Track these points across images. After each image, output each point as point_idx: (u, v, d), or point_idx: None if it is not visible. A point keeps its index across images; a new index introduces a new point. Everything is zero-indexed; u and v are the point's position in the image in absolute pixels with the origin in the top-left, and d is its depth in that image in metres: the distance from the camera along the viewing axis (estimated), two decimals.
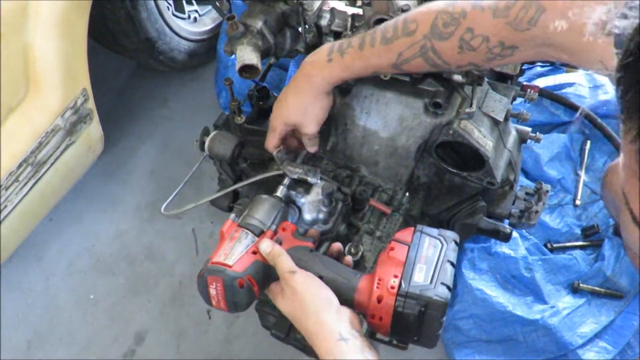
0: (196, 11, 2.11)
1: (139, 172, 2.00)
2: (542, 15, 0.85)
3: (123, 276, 1.80)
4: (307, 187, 1.25)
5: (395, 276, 0.91)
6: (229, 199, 1.42)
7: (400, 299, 0.89)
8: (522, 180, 1.72)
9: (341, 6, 1.24)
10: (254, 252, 0.97)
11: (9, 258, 1.51)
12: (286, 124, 1.17)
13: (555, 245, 1.68)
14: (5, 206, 1.32)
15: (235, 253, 0.96)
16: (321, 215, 1.19)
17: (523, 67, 1.73)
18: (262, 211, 1.05)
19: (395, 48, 0.99)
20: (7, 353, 1.67)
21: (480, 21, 0.90)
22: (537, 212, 1.42)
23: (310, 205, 1.20)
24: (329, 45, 1.07)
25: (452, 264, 0.93)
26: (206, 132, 1.32)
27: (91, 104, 1.48)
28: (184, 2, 2.05)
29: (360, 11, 1.21)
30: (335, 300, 0.91)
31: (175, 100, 2.18)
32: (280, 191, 1.16)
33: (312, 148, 1.24)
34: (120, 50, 1.91)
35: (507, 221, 1.49)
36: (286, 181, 1.18)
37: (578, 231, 1.71)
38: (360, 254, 1.26)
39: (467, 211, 1.41)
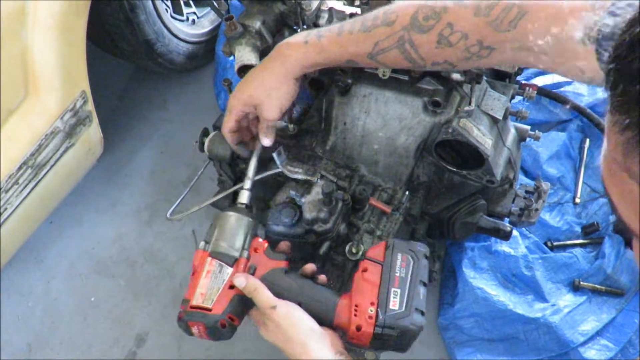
0: (194, 13, 2.11)
1: (138, 175, 2.00)
2: (522, 18, 0.85)
3: (123, 278, 1.79)
4: (307, 186, 1.26)
5: (372, 304, 0.93)
6: (229, 199, 1.42)
7: (378, 327, 0.92)
8: (522, 179, 1.73)
9: (339, 6, 1.24)
10: (231, 287, 0.97)
11: (9, 261, 1.51)
12: (246, 104, 1.10)
13: (555, 243, 1.68)
14: (5, 209, 1.32)
15: (212, 291, 0.97)
16: (321, 215, 1.19)
17: (521, 66, 1.73)
18: (230, 235, 1.02)
19: (373, 37, 0.97)
20: (7, 356, 1.67)
21: (461, 17, 0.90)
22: (537, 210, 1.43)
23: (311, 205, 1.20)
24: (308, 31, 1.06)
25: (424, 284, 0.97)
26: (205, 133, 1.32)
27: (90, 106, 1.48)
28: (182, 4, 2.05)
29: (358, 10, 1.21)
30: (316, 327, 0.93)
31: (174, 102, 2.18)
32: (244, 197, 1.11)
33: (266, 139, 1.13)
34: (119, 53, 1.91)
35: (507, 219, 1.49)
36: (247, 184, 1.13)
37: (578, 229, 1.71)
38: (360, 253, 1.26)
39: (467, 210, 1.42)
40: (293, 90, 1.09)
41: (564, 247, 1.68)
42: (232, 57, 1.27)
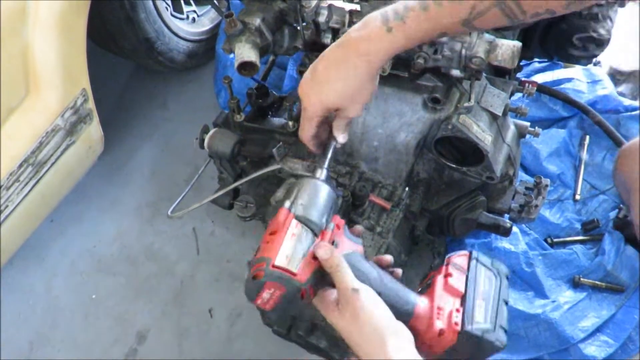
0: (194, 11, 2.11)
1: (139, 173, 2.01)
2: None
3: (124, 276, 1.80)
4: None
5: (457, 310, 0.89)
6: (229, 196, 1.42)
7: (461, 336, 0.87)
8: (522, 176, 1.73)
9: (339, 3, 1.24)
10: (314, 258, 0.87)
11: (10, 260, 1.51)
12: (327, 110, 1.00)
13: (555, 240, 1.68)
14: (6, 206, 1.32)
15: (297, 256, 0.86)
16: None
17: (521, 63, 1.74)
18: (319, 203, 0.92)
19: (467, 2, 0.89)
20: (8, 354, 1.67)
21: None
22: (536, 206, 1.43)
23: None
24: (375, 16, 0.94)
25: (506, 303, 0.94)
26: (206, 130, 1.33)
27: (91, 104, 1.48)
28: (182, 2, 2.05)
29: (357, 7, 1.21)
30: (400, 324, 0.85)
31: (174, 100, 2.18)
32: (321, 174, 1.01)
33: (342, 136, 1.05)
34: (119, 52, 1.92)
35: (507, 216, 1.49)
36: (325, 162, 1.03)
37: (578, 226, 1.71)
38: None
39: (467, 206, 1.42)
40: (375, 84, 1.01)
41: (564, 244, 1.68)
42: (232, 55, 1.27)
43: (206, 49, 2.13)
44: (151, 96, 2.19)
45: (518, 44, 1.16)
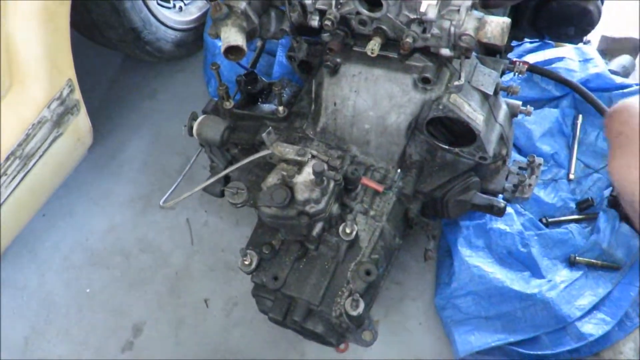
0: (182, 0, 2.08)
1: (130, 164, 1.99)
2: None
3: (118, 269, 1.78)
4: (298, 168, 1.25)
5: None
6: (220, 184, 1.41)
7: None
8: (516, 157, 1.72)
9: None
10: None
11: (3, 255, 1.50)
12: None
13: (550, 220, 1.67)
14: None
15: None
16: (314, 195, 1.19)
17: (512, 44, 1.72)
18: None
19: None
20: (4, 350, 1.66)
21: None
22: (530, 185, 1.42)
23: (302, 186, 1.19)
24: None
25: None
26: (194, 117, 1.31)
27: (78, 95, 1.46)
28: None
29: None
30: None
31: (164, 91, 2.16)
32: None
33: None
34: (106, 42, 1.89)
35: (501, 196, 1.48)
36: None
37: (573, 205, 1.70)
38: (354, 233, 1.26)
39: (461, 187, 1.41)
40: None
41: (559, 224, 1.67)
42: (219, 41, 1.25)
43: (195, 38, 2.10)
44: (141, 87, 2.17)
45: (507, 20, 1.15)
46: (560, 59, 1.87)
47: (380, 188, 1.29)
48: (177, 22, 2.01)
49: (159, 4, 1.94)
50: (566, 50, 1.90)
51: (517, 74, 1.40)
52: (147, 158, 2.00)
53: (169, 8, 2.01)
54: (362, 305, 1.22)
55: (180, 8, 2.07)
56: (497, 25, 1.14)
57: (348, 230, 1.26)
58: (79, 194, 1.92)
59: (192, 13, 2.10)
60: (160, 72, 2.19)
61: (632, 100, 0.88)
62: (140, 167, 1.99)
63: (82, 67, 1.43)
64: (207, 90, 2.04)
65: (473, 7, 1.18)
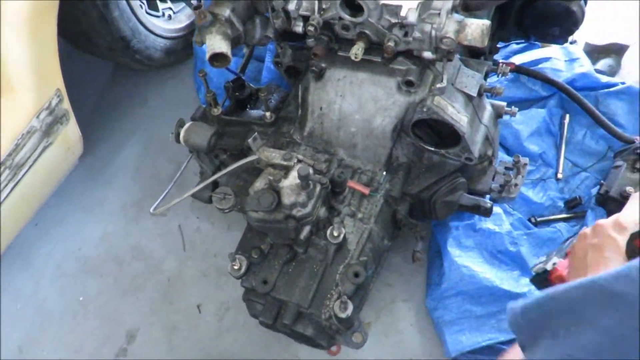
0: (170, 8, 2.10)
1: (122, 172, 2.00)
2: None
3: (112, 276, 1.79)
4: (284, 172, 1.26)
5: None
6: (209, 190, 1.42)
7: None
8: (503, 157, 1.73)
9: None
10: None
11: None
12: None
13: (539, 219, 1.68)
14: None
15: None
16: (300, 199, 1.20)
17: (498, 45, 1.74)
18: None
19: None
20: None
21: None
22: (516, 185, 1.43)
23: (288, 190, 1.20)
24: None
25: None
26: (181, 124, 1.32)
27: (66, 105, 1.47)
28: (157, 0, 2.04)
29: None
30: None
31: (155, 98, 2.17)
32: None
33: None
34: (96, 51, 1.90)
35: (488, 197, 1.49)
36: None
37: (561, 204, 1.72)
38: (342, 236, 1.27)
39: (448, 188, 1.42)
40: None
41: (548, 223, 1.69)
42: (205, 47, 1.26)
43: (184, 46, 2.11)
44: (132, 94, 2.18)
45: (487, 22, 1.16)
46: (546, 59, 1.89)
47: (366, 191, 1.30)
48: (166, 30, 2.02)
49: (147, 13, 1.96)
50: (552, 51, 1.92)
51: (501, 75, 1.42)
52: (139, 165, 2.01)
53: (157, 16, 2.02)
54: (350, 307, 1.23)
55: (170, 16, 2.09)
56: (477, 27, 1.16)
57: (336, 233, 1.27)
58: (71, 202, 1.93)
59: (181, 21, 2.12)
60: (151, 80, 2.20)
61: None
62: (132, 175, 2.00)
63: (72, 76, 1.45)
64: (198, 97, 2.05)
65: (454, 10, 1.20)
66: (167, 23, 2.06)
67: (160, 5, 2.05)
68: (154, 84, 2.19)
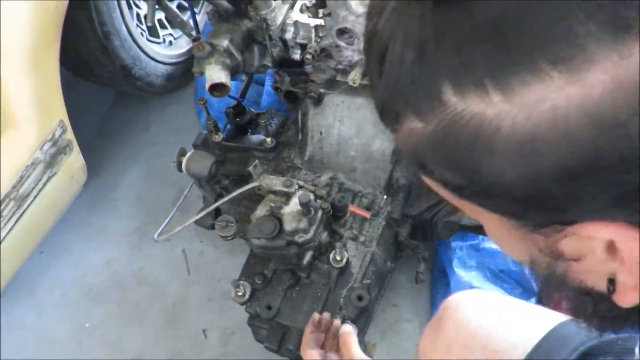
0: (171, 34, 2.12)
1: (124, 199, 2.01)
2: None
3: (116, 303, 1.80)
4: (286, 198, 1.27)
5: None
6: (211, 217, 1.43)
7: None
8: None
9: (304, 18, 1.26)
10: None
11: (1, 294, 1.51)
12: None
13: None
14: None
15: None
16: (301, 225, 1.21)
17: None
18: None
19: None
20: None
21: None
22: None
23: (290, 216, 1.21)
24: None
25: None
26: (183, 153, 1.34)
27: (70, 135, 1.49)
28: (158, 26, 2.07)
29: (322, 22, 1.23)
30: None
31: (157, 124, 2.19)
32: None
33: None
34: (98, 80, 1.93)
35: None
36: None
37: None
38: (344, 260, 1.28)
39: (449, 209, 1.43)
40: None
41: None
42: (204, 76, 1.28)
43: (185, 71, 2.13)
44: (133, 120, 2.21)
45: None
46: None
47: (367, 215, 1.31)
48: (167, 56, 2.04)
49: (148, 40, 1.98)
50: None
51: None
52: (142, 191, 2.03)
53: (158, 43, 2.05)
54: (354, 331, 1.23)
55: (170, 42, 2.12)
56: None
57: (338, 258, 1.27)
58: (75, 230, 1.94)
59: (182, 46, 2.15)
60: (152, 106, 2.23)
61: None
62: (135, 201, 2.01)
63: (74, 104, 1.46)
64: (199, 122, 2.07)
65: None
66: (168, 49, 2.09)
67: (161, 32, 2.08)
68: (156, 109, 2.22)
